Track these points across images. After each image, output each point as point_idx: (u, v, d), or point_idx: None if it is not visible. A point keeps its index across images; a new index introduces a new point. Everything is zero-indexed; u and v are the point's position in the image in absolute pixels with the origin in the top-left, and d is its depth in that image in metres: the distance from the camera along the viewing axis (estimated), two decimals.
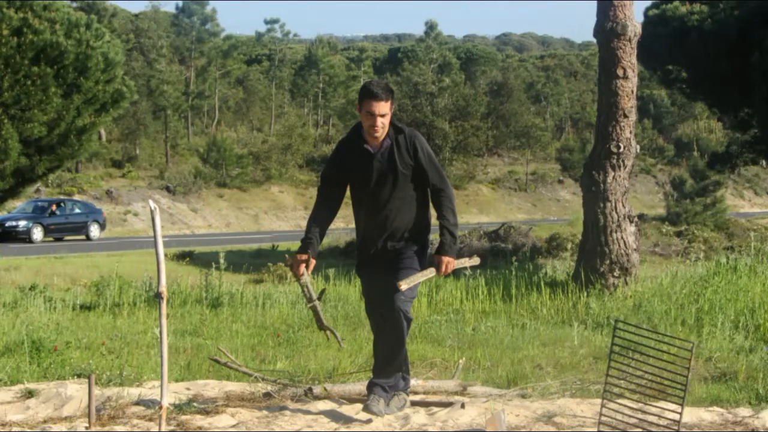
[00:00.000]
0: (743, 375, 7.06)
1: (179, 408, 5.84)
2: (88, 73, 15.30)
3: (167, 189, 46.84)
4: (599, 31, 12.07)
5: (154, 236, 4.61)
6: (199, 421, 5.64)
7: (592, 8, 12.29)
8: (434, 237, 5.82)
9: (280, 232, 42.81)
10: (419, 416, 5.75)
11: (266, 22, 67.07)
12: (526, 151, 60.50)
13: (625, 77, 11.81)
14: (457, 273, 10.87)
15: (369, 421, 5.61)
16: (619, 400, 5.50)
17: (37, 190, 40.16)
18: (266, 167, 52.12)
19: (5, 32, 14.41)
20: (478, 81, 66.19)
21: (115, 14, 53.44)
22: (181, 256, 23.94)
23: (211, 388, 6.61)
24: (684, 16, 22.25)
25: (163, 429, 4.74)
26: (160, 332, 4.63)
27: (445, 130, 50.43)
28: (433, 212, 5.82)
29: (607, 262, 11.56)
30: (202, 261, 22.22)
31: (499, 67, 73.25)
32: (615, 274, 11.52)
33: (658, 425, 5.23)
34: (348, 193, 5.82)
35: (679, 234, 25.20)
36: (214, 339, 8.94)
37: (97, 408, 5.69)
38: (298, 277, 5.69)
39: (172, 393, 6.21)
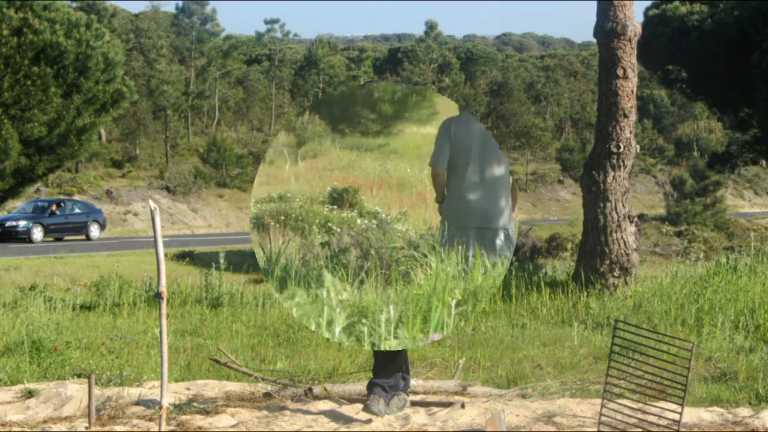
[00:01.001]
0: (743, 375, 7.06)
1: (179, 408, 5.84)
2: (88, 73, 15.31)
3: (167, 189, 46.83)
4: (599, 31, 12.07)
5: (154, 236, 4.61)
6: (199, 421, 5.64)
7: (592, 8, 12.29)
8: None
9: None
10: (419, 416, 5.75)
11: (266, 22, 67.00)
12: (526, 151, 60.45)
13: (625, 77, 11.81)
14: None
15: (369, 421, 5.61)
16: (619, 400, 5.50)
17: (37, 190, 40.13)
18: None
19: (5, 32, 14.41)
20: (478, 81, 66.14)
21: (115, 14, 53.42)
22: (181, 256, 23.93)
23: (211, 388, 6.60)
24: (684, 16, 22.24)
25: (163, 429, 4.73)
26: (160, 332, 4.63)
27: None
28: None
29: (607, 262, 11.56)
30: (202, 261, 22.22)
31: (499, 67, 73.23)
32: (615, 274, 11.51)
33: (658, 425, 5.23)
34: None
35: (679, 234, 25.21)
36: (214, 339, 8.93)
37: (97, 408, 5.69)
38: None
39: (172, 393, 6.21)
